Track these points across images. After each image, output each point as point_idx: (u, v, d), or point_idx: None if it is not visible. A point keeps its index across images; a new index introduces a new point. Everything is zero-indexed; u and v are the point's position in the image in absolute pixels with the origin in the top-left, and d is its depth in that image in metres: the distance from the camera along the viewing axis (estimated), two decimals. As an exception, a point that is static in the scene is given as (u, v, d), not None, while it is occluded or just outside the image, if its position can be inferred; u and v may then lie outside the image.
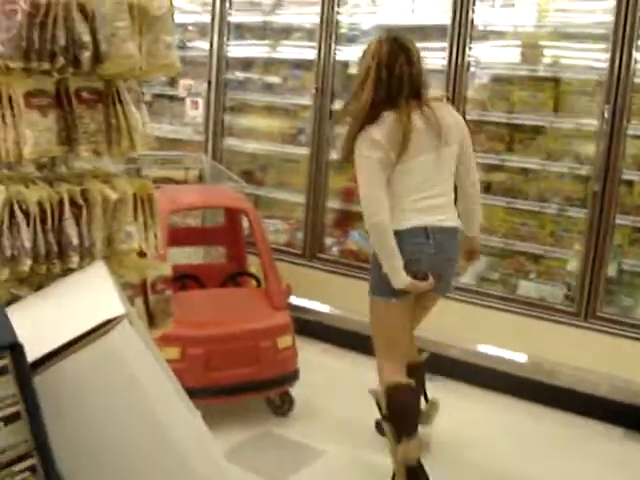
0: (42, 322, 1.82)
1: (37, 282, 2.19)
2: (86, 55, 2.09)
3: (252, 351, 3.94)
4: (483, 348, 4.63)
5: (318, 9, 5.29)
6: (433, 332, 4.37)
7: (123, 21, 2.16)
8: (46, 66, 2.07)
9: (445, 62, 4.74)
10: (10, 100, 2.12)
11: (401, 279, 3.25)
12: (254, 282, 4.63)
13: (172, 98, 6.41)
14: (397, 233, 3.26)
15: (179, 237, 4.59)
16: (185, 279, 4.31)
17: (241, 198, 4.68)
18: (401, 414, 3.46)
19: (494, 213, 4.80)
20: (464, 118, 4.60)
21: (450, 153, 3.42)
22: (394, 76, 3.28)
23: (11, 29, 2.03)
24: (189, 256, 4.96)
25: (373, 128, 3.26)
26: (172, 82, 6.20)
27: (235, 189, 5.01)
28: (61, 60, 2.07)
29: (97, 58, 2.13)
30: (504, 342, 4.56)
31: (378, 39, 3.37)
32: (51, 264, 2.15)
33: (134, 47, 2.18)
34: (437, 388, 4.19)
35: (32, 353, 1.46)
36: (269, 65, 6.07)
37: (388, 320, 3.48)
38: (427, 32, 5.05)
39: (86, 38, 2.10)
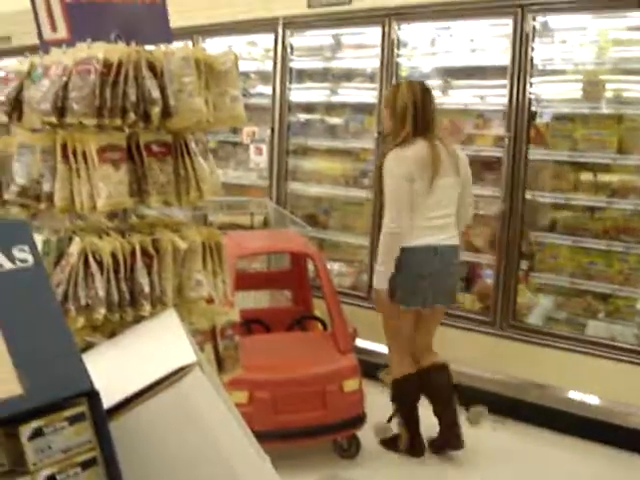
0: (116, 369, 1.87)
1: (110, 329, 2.26)
2: (156, 110, 2.17)
3: (319, 395, 3.96)
4: (551, 390, 4.55)
5: (378, 52, 5.35)
6: (500, 374, 4.33)
7: (190, 77, 2.25)
8: (118, 122, 2.16)
9: (506, 101, 4.74)
10: (84, 155, 2.22)
11: (382, 283, 3.94)
12: (320, 325, 4.66)
13: (236, 144, 6.54)
14: (411, 249, 3.91)
15: (245, 281, 4.64)
16: (251, 324, 4.36)
17: (306, 242, 4.73)
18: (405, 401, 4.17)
19: (560, 252, 4.76)
20: (526, 157, 4.64)
21: (459, 181, 4.05)
22: (427, 112, 3.98)
23: (85, 88, 2.13)
24: (255, 300, 5.01)
25: (404, 148, 3.93)
26: (235, 129, 6.32)
27: (299, 233, 5.07)
28: (132, 116, 2.16)
29: (166, 113, 2.21)
30: (573, 383, 4.48)
31: (407, 82, 4.22)
32: (124, 312, 2.21)
33: (201, 101, 2.25)
34: (501, 429, 4.15)
35: (107, 399, 1.51)
36: (330, 109, 6.16)
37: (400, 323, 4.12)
38: (486, 72, 5.08)
39: (155, 94, 2.18)
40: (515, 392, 4.64)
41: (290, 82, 6.00)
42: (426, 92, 4.05)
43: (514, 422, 4.57)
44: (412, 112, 3.94)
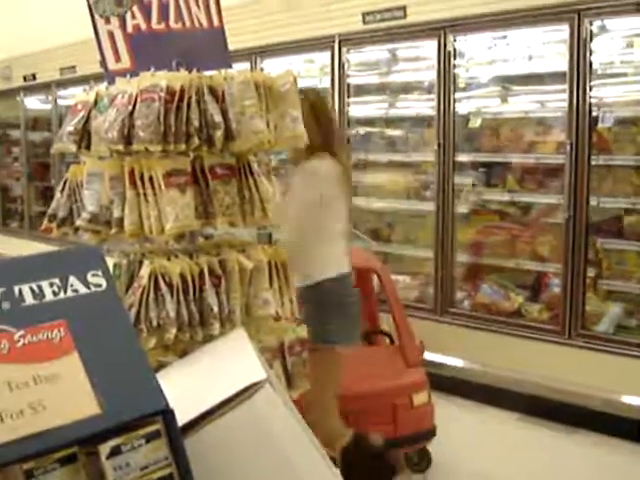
0: (188, 387, 1.91)
1: (181, 349, 2.31)
2: (219, 134, 2.23)
3: (388, 409, 3.95)
4: (624, 398, 4.47)
5: (434, 64, 5.36)
6: (571, 383, 4.27)
7: (250, 99, 2.30)
8: (182, 147, 2.22)
9: (566, 107, 4.70)
10: (151, 180, 2.28)
11: None
12: (387, 340, 4.66)
13: (297, 162, 6.59)
14: (336, 279, 3.37)
15: None
16: None
17: (371, 258, 4.74)
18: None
19: (627, 258, 4.68)
20: (589, 163, 4.58)
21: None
22: (330, 121, 3.49)
23: (150, 116, 2.20)
24: None
25: (314, 161, 3.30)
26: (296, 147, 6.37)
27: (363, 248, 5.07)
28: (196, 141, 2.22)
29: (229, 136, 2.27)
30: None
31: (307, 89, 3.43)
32: (194, 332, 2.26)
33: (262, 123, 2.30)
34: (576, 441, 4.08)
35: (180, 417, 1.54)
36: (389, 123, 6.18)
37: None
38: (544, 78, 5.05)
39: (218, 118, 2.24)
40: (585, 401, 4.57)
41: (348, 97, 6.03)
42: (326, 102, 3.69)
43: (586, 431, 4.50)
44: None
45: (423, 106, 5.78)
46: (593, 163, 4.61)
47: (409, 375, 4.13)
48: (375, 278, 4.69)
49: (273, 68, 6.38)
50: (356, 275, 4.88)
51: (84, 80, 8.12)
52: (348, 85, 6.02)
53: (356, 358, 4.33)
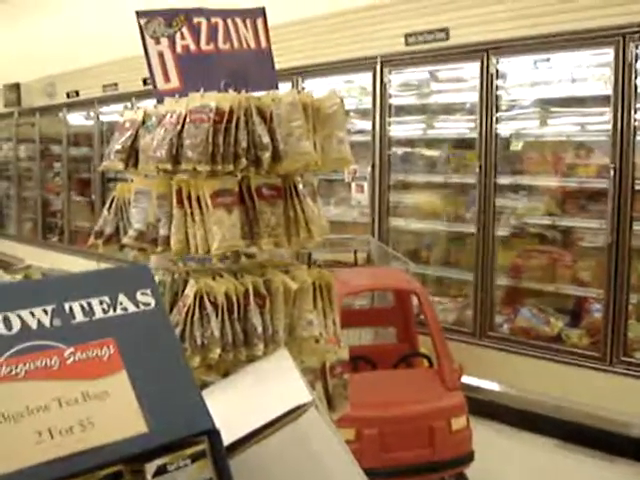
0: (232, 407, 1.92)
1: (224, 368, 2.31)
2: (266, 155, 2.24)
3: (426, 432, 3.91)
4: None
5: (476, 85, 5.35)
6: (611, 411, 4.21)
7: (298, 121, 2.31)
8: (230, 168, 2.23)
9: (609, 130, 4.67)
10: (198, 200, 2.30)
11: None
12: (426, 362, 4.63)
13: (333, 181, 6.62)
14: None
15: (350, 318, 4.61)
16: (357, 360, 4.33)
17: (410, 279, 4.73)
18: None
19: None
20: (633, 187, 4.53)
21: None
22: None
23: (198, 136, 2.21)
24: (359, 337, 5.01)
25: None
26: (336, 167, 6.39)
27: (403, 269, 5.07)
28: (244, 162, 2.23)
29: (276, 157, 2.28)
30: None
31: None
32: (238, 351, 2.26)
33: (309, 145, 2.31)
34: (615, 470, 4.02)
35: (225, 437, 1.55)
36: (430, 144, 6.18)
37: None
38: (586, 101, 5.03)
39: (265, 139, 2.25)
40: (626, 429, 4.50)
41: (389, 117, 6.04)
42: None
43: (626, 460, 4.42)
44: None
45: (464, 127, 5.78)
46: (637, 188, 4.56)
47: (448, 398, 4.10)
48: (415, 300, 4.67)
49: (314, 88, 6.43)
50: (395, 296, 4.89)
51: (125, 97, 8.25)
52: (389, 105, 6.03)
53: (395, 380, 4.34)
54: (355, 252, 5.47)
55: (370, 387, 4.10)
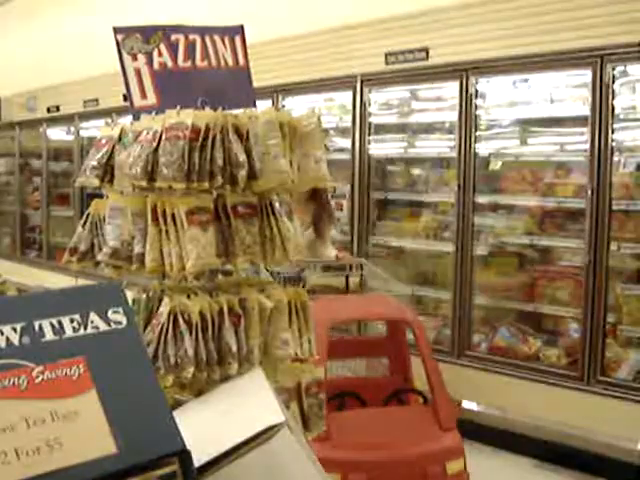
0: (204, 427, 1.90)
1: (197, 388, 2.29)
2: (242, 173, 2.23)
3: (419, 477, 3.64)
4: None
5: (456, 104, 5.38)
6: (589, 430, 4.21)
7: (275, 139, 2.30)
8: (206, 185, 2.22)
9: (587, 150, 4.71)
10: (173, 217, 2.28)
11: None
12: (420, 399, 4.34)
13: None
14: None
15: (339, 349, 4.35)
16: (345, 397, 4.09)
17: (404, 308, 4.45)
18: None
19: (649, 304, 4.64)
20: (610, 207, 4.56)
21: None
22: None
23: (174, 153, 2.20)
24: (351, 368, 4.75)
25: None
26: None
27: (398, 295, 4.83)
28: (219, 179, 2.22)
29: (252, 175, 2.27)
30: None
31: None
32: (212, 371, 2.25)
33: (286, 163, 2.30)
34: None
35: (196, 458, 1.53)
36: (409, 163, 6.20)
37: None
38: (564, 122, 5.07)
39: (242, 157, 2.24)
40: (605, 449, 4.50)
41: (369, 135, 6.06)
42: None
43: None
44: None
45: (443, 146, 5.80)
46: (614, 208, 4.59)
47: (443, 440, 3.82)
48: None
49: (294, 106, 6.45)
50: (388, 325, 4.72)
51: (106, 113, 8.22)
52: (369, 124, 6.05)
53: (385, 419, 4.03)
54: (347, 277, 5.08)
55: (358, 426, 3.84)
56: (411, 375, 4.48)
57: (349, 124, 6.17)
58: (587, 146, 4.69)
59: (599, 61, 4.56)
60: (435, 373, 4.00)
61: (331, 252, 4.67)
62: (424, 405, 4.23)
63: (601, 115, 4.59)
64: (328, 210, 4.53)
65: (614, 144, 4.61)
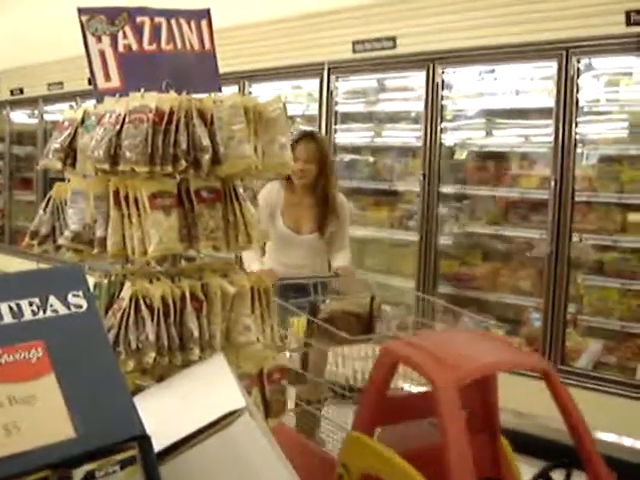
0: (165, 413, 1.89)
1: (159, 373, 2.28)
2: (206, 158, 2.22)
3: None
4: (601, 435, 4.46)
5: (422, 94, 5.40)
6: (549, 419, 4.25)
7: (239, 124, 2.29)
8: (169, 169, 2.21)
9: (551, 142, 4.74)
10: (136, 201, 2.26)
11: None
12: None
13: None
14: None
15: (398, 409, 3.06)
16: None
17: (532, 353, 3.56)
18: None
19: (608, 295, 4.70)
20: (573, 199, 4.61)
21: None
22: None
23: (137, 136, 2.18)
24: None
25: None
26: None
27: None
28: (183, 163, 2.20)
29: (216, 160, 2.26)
30: (623, 429, 4.39)
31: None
32: (173, 356, 2.24)
33: (250, 148, 2.29)
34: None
35: (156, 443, 1.52)
36: (375, 152, 6.21)
37: None
38: (530, 113, 5.10)
39: (205, 142, 2.23)
40: (559, 436, 4.55)
41: (335, 124, 6.06)
42: None
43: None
44: None
45: (409, 136, 5.82)
46: (577, 199, 4.64)
47: None
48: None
49: (261, 93, 6.42)
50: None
51: (71, 96, 8.11)
52: (336, 112, 6.04)
53: None
54: (372, 298, 3.67)
55: None
56: (499, 435, 3.02)
57: (316, 112, 6.16)
58: (551, 138, 4.73)
59: (564, 53, 4.59)
60: (589, 440, 2.71)
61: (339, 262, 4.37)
62: None
63: (565, 107, 4.63)
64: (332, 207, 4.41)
65: (578, 137, 4.65)
